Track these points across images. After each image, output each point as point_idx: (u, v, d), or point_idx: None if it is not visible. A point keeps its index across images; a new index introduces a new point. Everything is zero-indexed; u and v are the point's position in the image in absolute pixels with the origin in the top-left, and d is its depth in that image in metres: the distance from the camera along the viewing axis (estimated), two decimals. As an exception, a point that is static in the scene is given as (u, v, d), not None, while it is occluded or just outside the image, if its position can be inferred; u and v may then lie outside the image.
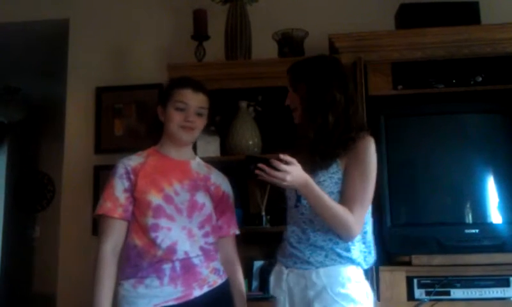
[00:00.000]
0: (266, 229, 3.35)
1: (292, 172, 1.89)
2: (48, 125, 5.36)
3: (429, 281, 2.83)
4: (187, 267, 2.13)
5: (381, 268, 2.86)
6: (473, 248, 2.81)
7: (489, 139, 2.99)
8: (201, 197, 2.23)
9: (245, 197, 3.50)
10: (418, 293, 2.83)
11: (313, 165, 2.03)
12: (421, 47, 3.07)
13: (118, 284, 2.15)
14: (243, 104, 3.49)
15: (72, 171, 3.76)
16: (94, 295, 2.08)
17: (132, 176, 2.19)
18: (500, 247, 2.82)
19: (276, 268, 2.18)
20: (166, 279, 2.11)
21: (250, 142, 3.40)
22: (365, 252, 2.09)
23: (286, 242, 2.15)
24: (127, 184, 2.19)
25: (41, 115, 5.47)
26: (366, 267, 2.11)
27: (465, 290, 2.81)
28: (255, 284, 3.36)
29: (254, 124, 3.47)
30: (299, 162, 1.93)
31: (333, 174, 2.05)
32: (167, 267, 2.11)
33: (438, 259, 2.85)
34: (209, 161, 3.30)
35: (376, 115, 3.01)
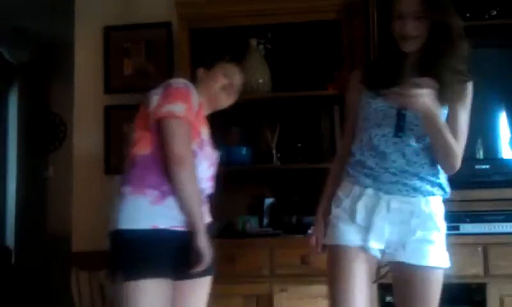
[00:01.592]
0: (276, 167, 3.36)
1: (424, 97, 1.91)
2: (58, 65, 5.33)
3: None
4: (203, 199, 2.24)
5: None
6: (484, 183, 2.82)
7: (503, 75, 2.94)
8: (215, 153, 2.37)
9: (255, 136, 3.51)
10: (428, 228, 2.85)
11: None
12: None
13: (131, 194, 2.14)
14: (253, 42, 3.45)
15: (82, 111, 3.76)
16: None
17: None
18: (510, 183, 2.82)
19: (369, 192, 2.10)
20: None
21: (260, 81, 3.38)
22: (447, 185, 2.16)
23: (382, 169, 2.09)
24: (197, 102, 2.24)
25: (51, 55, 5.42)
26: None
27: (475, 225, 2.84)
28: (265, 221, 3.40)
29: (264, 62, 3.44)
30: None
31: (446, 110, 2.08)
32: None
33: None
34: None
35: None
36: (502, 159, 2.90)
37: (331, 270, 2.13)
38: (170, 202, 2.12)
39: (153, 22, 3.70)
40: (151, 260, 2.08)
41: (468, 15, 2.98)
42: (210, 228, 2.25)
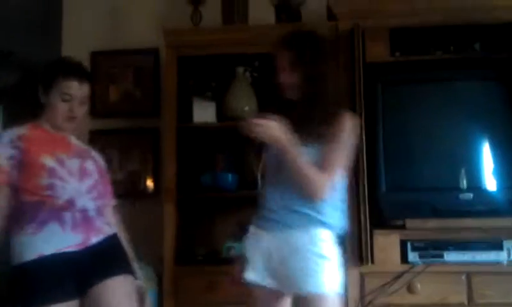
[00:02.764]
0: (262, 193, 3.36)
1: (270, 127, 2.08)
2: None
3: (422, 245, 2.88)
4: (86, 218, 2.26)
5: (376, 231, 2.91)
6: (467, 213, 2.85)
7: (485, 106, 3.00)
8: (90, 166, 2.36)
9: (241, 163, 3.51)
10: (412, 256, 2.88)
11: (301, 141, 2.15)
12: (419, 13, 3.06)
13: (13, 236, 2.22)
14: (240, 70, 3.47)
15: (67, 136, 3.74)
16: None
17: (19, 143, 2.25)
18: (493, 212, 2.85)
19: (253, 231, 2.28)
20: (68, 227, 2.21)
21: (246, 108, 3.39)
22: (338, 218, 2.22)
23: (264, 208, 2.26)
24: (12, 152, 2.24)
25: (37, 79, 5.42)
26: (339, 232, 2.24)
27: (458, 253, 2.86)
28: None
29: (250, 90, 3.46)
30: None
31: (316, 147, 2.17)
32: (68, 215, 2.22)
33: (432, 223, 2.89)
34: (205, 127, 3.34)
35: (373, 82, 3.02)
36: (485, 189, 2.93)
37: None
38: (52, 228, 2.19)
39: (141, 48, 3.72)
40: (43, 288, 2.13)
41: (451, 47, 3.05)
42: (110, 239, 2.32)
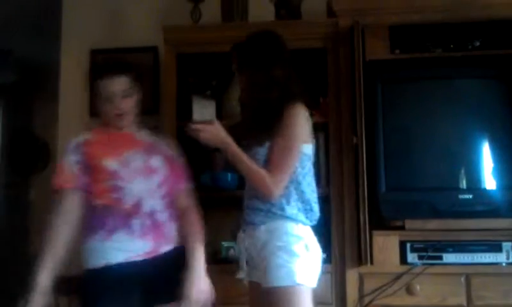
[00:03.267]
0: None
1: (206, 130, 2.18)
2: (43, 87, 5.30)
3: (421, 246, 2.86)
4: (155, 223, 2.26)
5: (375, 232, 2.89)
6: (467, 213, 2.84)
7: (485, 105, 2.98)
8: (156, 162, 2.35)
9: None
10: (411, 257, 2.86)
11: (250, 141, 2.25)
12: (419, 10, 3.04)
13: (84, 242, 2.28)
14: (239, 68, 3.45)
15: (67, 134, 3.70)
16: (42, 256, 2.24)
17: (83, 149, 2.31)
18: (493, 213, 2.84)
19: (238, 233, 2.39)
20: (136, 234, 2.22)
21: (246, 106, 3.38)
22: (305, 210, 2.25)
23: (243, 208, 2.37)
24: (78, 157, 2.30)
25: (36, 77, 5.41)
26: (310, 223, 2.27)
27: (458, 255, 2.85)
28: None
29: (250, 88, 3.44)
30: (241, 134, 2.24)
31: (266, 146, 2.23)
32: (137, 222, 2.22)
33: (432, 224, 2.87)
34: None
35: (372, 80, 3.00)
36: (485, 189, 2.91)
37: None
38: (119, 236, 2.21)
39: (140, 46, 3.70)
40: (107, 297, 2.16)
41: (451, 45, 3.02)
42: (177, 251, 2.29)
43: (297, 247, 2.17)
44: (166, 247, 2.26)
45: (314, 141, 2.36)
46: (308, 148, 2.28)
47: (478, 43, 3.00)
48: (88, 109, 3.72)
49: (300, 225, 2.23)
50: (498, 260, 2.83)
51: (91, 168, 2.26)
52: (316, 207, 2.29)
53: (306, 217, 2.25)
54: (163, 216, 2.28)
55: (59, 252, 2.22)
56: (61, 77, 3.80)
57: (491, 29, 3.01)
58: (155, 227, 2.24)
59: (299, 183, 2.23)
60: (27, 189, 5.52)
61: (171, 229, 2.30)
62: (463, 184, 2.87)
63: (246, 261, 2.32)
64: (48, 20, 3.89)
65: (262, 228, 2.22)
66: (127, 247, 2.20)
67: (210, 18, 3.47)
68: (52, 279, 2.19)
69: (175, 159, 2.45)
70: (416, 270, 2.84)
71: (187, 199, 2.41)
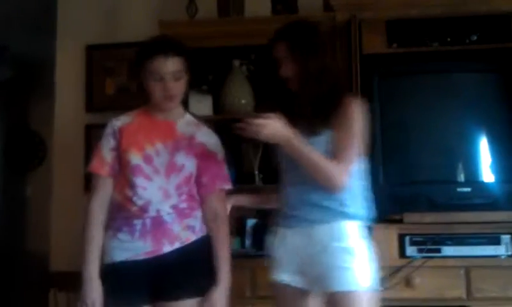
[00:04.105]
0: (259, 187, 3.35)
1: (268, 125, 1.97)
2: (39, 83, 5.29)
3: (420, 239, 2.87)
4: (158, 224, 2.19)
5: (373, 225, 2.88)
6: (465, 206, 2.84)
7: (482, 98, 2.99)
8: (182, 159, 2.24)
9: (238, 157, 3.50)
10: (410, 250, 2.87)
11: (307, 132, 2.07)
12: (416, 4, 3.04)
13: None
14: (236, 63, 3.46)
15: (63, 130, 3.73)
16: (84, 246, 2.18)
17: (117, 135, 2.25)
18: (491, 206, 2.84)
19: (276, 230, 2.21)
20: (136, 234, 2.19)
21: (243, 101, 3.38)
22: (363, 208, 2.13)
23: (284, 205, 2.19)
24: (113, 143, 2.25)
25: (31, 73, 5.39)
26: (366, 223, 2.15)
27: (456, 248, 2.85)
28: (248, 242, 3.38)
29: (247, 83, 3.44)
30: (295, 127, 2.01)
31: (324, 136, 2.09)
32: (138, 222, 2.19)
33: (430, 217, 2.88)
34: (201, 120, 3.31)
35: (370, 74, 3.00)
36: (483, 182, 2.92)
37: None
38: (122, 236, 2.20)
39: (137, 41, 3.67)
40: (113, 293, 2.16)
41: (449, 39, 3.03)
42: (188, 248, 2.23)
43: (361, 249, 2.07)
44: (169, 247, 2.20)
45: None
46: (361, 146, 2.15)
47: (475, 37, 3.01)
48: (84, 104, 3.70)
49: (362, 224, 2.12)
50: (497, 253, 2.84)
51: (121, 158, 2.22)
52: (368, 205, 2.16)
53: (364, 216, 2.14)
54: (170, 217, 2.20)
55: (99, 241, 2.20)
56: (57, 72, 3.78)
57: (488, 23, 3.02)
58: (157, 228, 2.19)
59: (355, 179, 2.11)
60: (24, 185, 5.52)
61: (178, 228, 2.22)
62: (461, 177, 2.88)
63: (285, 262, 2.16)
64: (43, 16, 3.88)
65: (323, 227, 2.07)
66: (128, 247, 2.19)
67: (206, 13, 3.47)
68: (98, 267, 2.18)
69: (213, 156, 2.33)
70: (416, 263, 2.85)
71: (218, 204, 2.31)
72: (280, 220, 2.20)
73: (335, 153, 2.04)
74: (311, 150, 2.02)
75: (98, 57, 3.72)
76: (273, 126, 1.98)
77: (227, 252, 2.28)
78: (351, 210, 2.08)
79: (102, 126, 3.51)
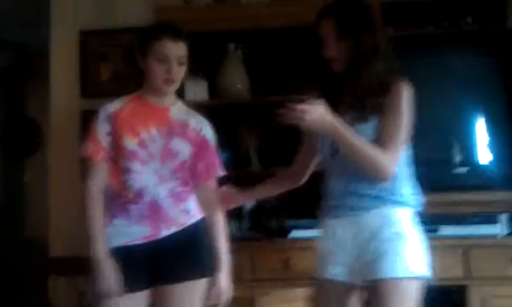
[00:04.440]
0: (256, 171, 3.35)
1: (312, 111, 1.85)
2: (34, 69, 5.28)
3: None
4: (154, 208, 2.21)
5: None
6: (462, 187, 2.86)
7: (478, 81, 3.01)
8: (177, 144, 2.26)
9: (235, 140, 3.49)
10: (407, 231, 2.88)
11: (354, 118, 1.98)
12: (412, -14, 3.04)
13: None
14: (231, 47, 3.44)
15: (59, 116, 3.71)
16: (89, 231, 2.18)
17: (112, 120, 2.25)
18: (488, 186, 2.87)
19: (324, 223, 2.13)
20: (133, 219, 2.20)
21: (238, 86, 3.38)
22: (412, 194, 2.06)
23: (329, 196, 2.11)
24: (108, 127, 2.25)
25: (26, 60, 5.38)
26: (417, 209, 2.08)
27: (454, 228, 2.88)
28: (246, 225, 3.39)
29: (242, 67, 3.43)
30: (339, 113, 1.92)
31: (371, 122, 1.99)
32: (134, 207, 2.20)
33: (427, 198, 2.88)
34: (197, 105, 3.30)
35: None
36: (479, 163, 2.93)
37: None
38: (117, 221, 2.21)
39: (131, 26, 3.67)
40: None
41: (444, 22, 3.02)
42: (186, 231, 2.25)
43: (413, 235, 2.00)
44: (167, 231, 2.22)
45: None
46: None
47: (470, 19, 3.00)
48: (80, 90, 3.69)
49: (410, 210, 2.03)
50: (495, 232, 2.86)
51: (115, 143, 2.22)
52: (417, 192, 2.08)
53: (414, 202, 2.06)
54: (166, 202, 2.22)
55: (102, 224, 2.20)
56: (52, 59, 3.76)
57: (482, 5, 3.02)
58: (154, 213, 2.21)
59: (408, 166, 2.05)
60: (22, 171, 5.53)
61: (175, 212, 2.24)
62: (458, 158, 2.89)
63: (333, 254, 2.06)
64: (37, 3, 3.84)
65: (373, 212, 1.98)
66: (124, 232, 2.20)
67: (200, -3, 3.45)
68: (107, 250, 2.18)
69: (207, 144, 2.35)
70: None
71: (212, 191, 2.35)
72: (325, 212, 2.12)
73: (382, 140, 1.94)
74: (357, 138, 1.92)
75: (93, 43, 3.70)
76: (318, 112, 1.86)
77: (224, 237, 2.33)
78: (399, 197, 2.01)
79: (98, 112, 3.56)
